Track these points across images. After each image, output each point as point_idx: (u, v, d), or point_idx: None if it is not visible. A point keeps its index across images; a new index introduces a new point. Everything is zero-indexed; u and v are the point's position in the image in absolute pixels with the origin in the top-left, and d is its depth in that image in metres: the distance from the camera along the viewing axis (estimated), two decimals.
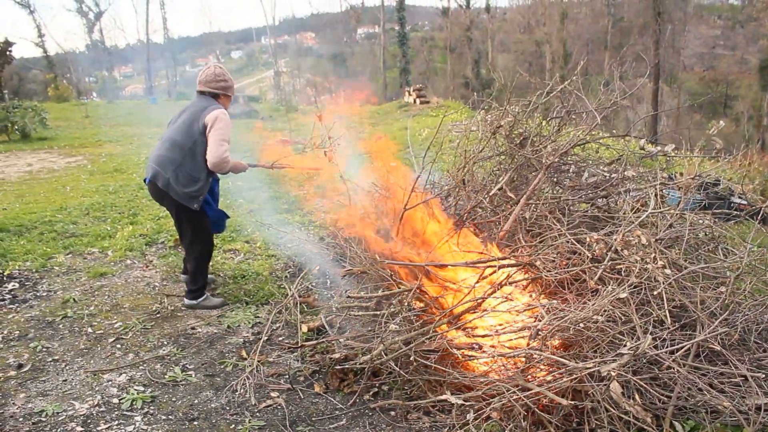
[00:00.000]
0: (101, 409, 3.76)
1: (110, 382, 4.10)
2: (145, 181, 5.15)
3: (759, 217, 4.44)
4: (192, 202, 5.02)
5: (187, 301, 5.40)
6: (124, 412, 3.73)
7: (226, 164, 4.98)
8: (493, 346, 3.79)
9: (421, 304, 4.19)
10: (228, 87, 5.24)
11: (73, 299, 5.55)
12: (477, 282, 4.00)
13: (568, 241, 4.05)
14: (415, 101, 26.08)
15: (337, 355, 4.10)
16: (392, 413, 3.68)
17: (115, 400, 3.86)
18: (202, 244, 5.29)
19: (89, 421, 3.64)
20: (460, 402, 3.26)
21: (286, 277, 6.01)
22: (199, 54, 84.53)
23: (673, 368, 3.09)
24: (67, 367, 4.32)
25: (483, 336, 3.87)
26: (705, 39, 52.06)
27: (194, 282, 5.36)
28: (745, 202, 7.11)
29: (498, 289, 3.92)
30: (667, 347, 3.20)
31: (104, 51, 54.46)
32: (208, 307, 5.39)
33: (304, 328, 4.69)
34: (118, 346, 4.68)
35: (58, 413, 3.70)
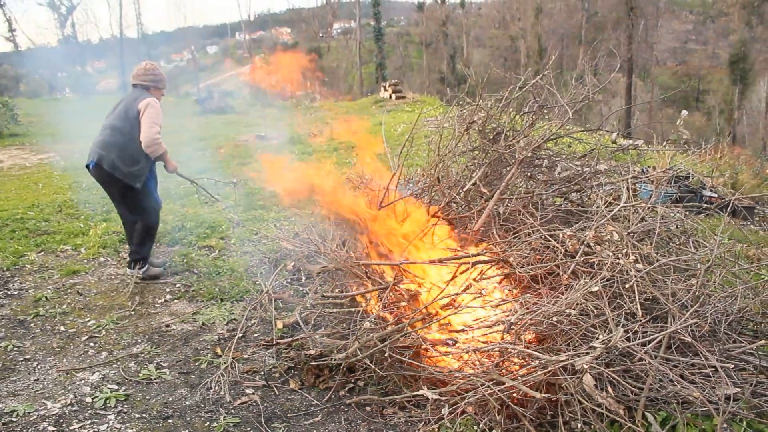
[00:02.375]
0: (74, 408, 3.72)
1: (83, 381, 4.05)
2: (88, 166, 5.60)
3: (728, 210, 4.50)
4: (135, 181, 5.54)
5: (132, 272, 5.90)
6: (98, 411, 3.69)
7: (158, 146, 5.49)
8: (467, 341, 3.81)
9: (396, 301, 4.20)
10: (158, 80, 5.81)
11: (45, 297, 5.48)
12: (451, 279, 4.01)
13: (541, 237, 4.07)
14: (390, 96, 26.07)
15: (312, 352, 4.09)
16: (368, 408, 3.69)
17: (88, 399, 3.82)
18: (151, 214, 5.85)
19: (62, 420, 3.59)
20: (435, 397, 3.27)
21: (261, 273, 5.98)
22: (174, 49, 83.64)
23: (645, 360, 3.12)
24: (38, 366, 4.27)
25: (458, 331, 3.89)
26: (677, 34, 52.72)
27: (139, 252, 5.88)
28: (715, 195, 7.21)
29: (472, 285, 3.94)
30: (639, 339, 3.23)
31: (77, 46, 53.68)
32: (150, 276, 5.96)
33: (279, 325, 4.67)
34: (92, 344, 4.63)
35: (29, 413, 3.65)
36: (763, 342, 3.50)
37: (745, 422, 3.12)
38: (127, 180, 5.48)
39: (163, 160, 5.73)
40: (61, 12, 50.58)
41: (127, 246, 6.09)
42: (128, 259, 5.98)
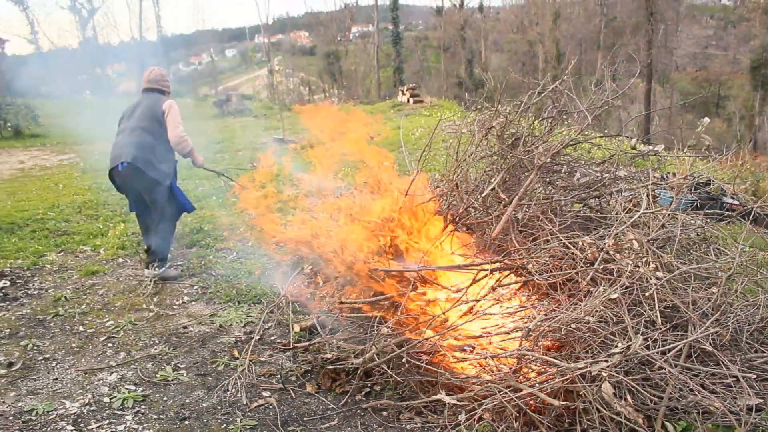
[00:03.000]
0: (92, 408, 3.75)
1: (101, 381, 4.08)
2: (115, 168, 5.74)
3: (750, 217, 4.45)
4: (166, 178, 5.87)
5: (150, 271, 6.05)
6: (115, 411, 3.72)
7: (187, 143, 5.93)
8: (484, 348, 3.79)
9: (414, 308, 4.19)
10: (168, 85, 6.28)
11: (65, 297, 5.53)
12: (469, 286, 3.99)
13: (560, 244, 4.04)
14: (408, 100, 26.02)
15: (329, 355, 4.09)
16: (384, 413, 3.67)
17: (106, 399, 3.85)
18: (173, 215, 6.16)
19: (80, 420, 3.62)
20: (453, 401, 3.26)
21: (278, 276, 5.99)
22: (192, 52, 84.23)
23: (665, 369, 3.09)
24: (57, 366, 4.31)
25: (476, 337, 3.87)
26: (697, 39, 52.26)
27: (161, 251, 6.06)
28: (736, 202, 7.13)
29: (490, 292, 3.92)
30: (658, 348, 3.20)
31: (97, 48, 54.19)
32: (169, 277, 6.08)
33: (297, 328, 4.68)
34: (110, 344, 4.66)
35: (48, 412, 3.69)
36: None
37: None
38: (159, 177, 5.77)
39: (191, 156, 6.12)
40: (82, 15, 51.06)
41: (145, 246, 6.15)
42: (146, 259, 6.11)
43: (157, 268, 6.01)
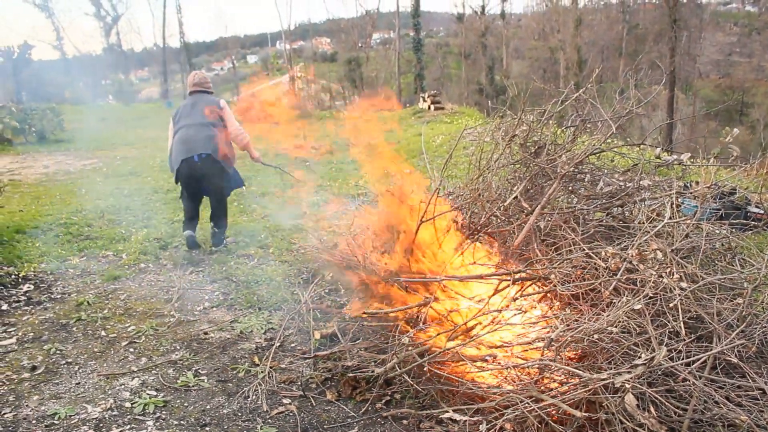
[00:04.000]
0: (113, 413, 3.77)
1: (123, 386, 4.11)
2: (193, 158, 6.56)
3: None
4: (230, 167, 6.90)
5: (217, 245, 7.18)
6: (136, 417, 3.74)
7: (244, 136, 6.86)
8: (507, 357, 3.77)
9: (436, 317, 4.18)
10: (211, 86, 7.15)
11: (87, 302, 5.58)
12: (492, 296, 3.97)
13: (583, 254, 4.01)
14: (429, 107, 25.98)
15: (349, 363, 4.09)
16: (405, 422, 3.66)
17: (128, 404, 3.87)
18: (228, 194, 7.38)
19: (101, 424, 3.65)
20: (464, 418, 3.25)
21: (299, 283, 6.01)
22: (214, 58, 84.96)
23: (689, 380, 3.05)
24: (80, 370, 4.34)
25: (497, 347, 3.85)
26: (721, 46, 51.71)
27: (223, 229, 7.26)
28: (762, 212, 7.03)
29: (512, 302, 3.90)
30: (682, 359, 3.17)
31: (121, 54, 54.77)
32: (222, 243, 7.24)
33: (317, 335, 4.68)
34: (131, 349, 4.69)
35: (70, 416, 3.72)
36: None
37: None
38: (226, 166, 6.77)
39: (248, 149, 7.08)
40: (107, 21, 51.74)
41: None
42: (216, 230, 7.22)
43: (220, 242, 7.16)
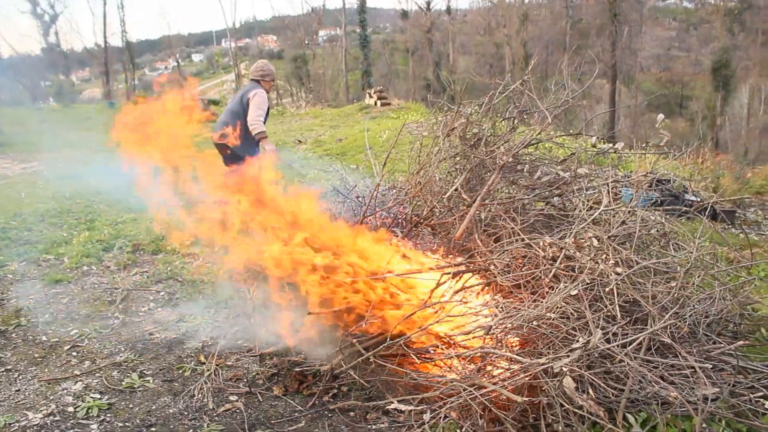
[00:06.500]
0: (56, 419, 3.70)
1: (65, 391, 4.03)
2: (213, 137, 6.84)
3: (708, 213, 4.54)
4: (245, 153, 6.72)
5: None
6: (80, 421, 3.68)
7: (258, 126, 6.93)
8: (449, 347, 3.82)
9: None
10: (265, 74, 7.40)
11: (27, 308, 5.43)
12: (434, 290, 3.99)
13: (522, 245, 4.08)
14: (376, 103, 26.01)
15: (295, 358, 4.09)
16: (351, 414, 3.69)
17: (71, 409, 3.80)
18: None
19: (43, 431, 3.57)
20: (407, 408, 3.28)
21: (244, 280, 5.96)
22: (158, 57, 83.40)
23: (625, 362, 3.14)
24: (20, 377, 4.23)
25: (440, 338, 3.89)
26: (661, 41, 53.03)
27: None
28: (697, 199, 7.28)
29: (455, 295, 3.94)
30: (619, 341, 3.26)
31: (60, 54, 53.25)
32: None
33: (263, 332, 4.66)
34: (74, 353, 4.60)
35: (10, 424, 3.62)
36: (741, 343, 3.54)
37: (723, 422, 3.15)
38: (239, 152, 6.71)
39: (262, 142, 7.07)
40: (44, 20, 50.22)
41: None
42: None
43: None
